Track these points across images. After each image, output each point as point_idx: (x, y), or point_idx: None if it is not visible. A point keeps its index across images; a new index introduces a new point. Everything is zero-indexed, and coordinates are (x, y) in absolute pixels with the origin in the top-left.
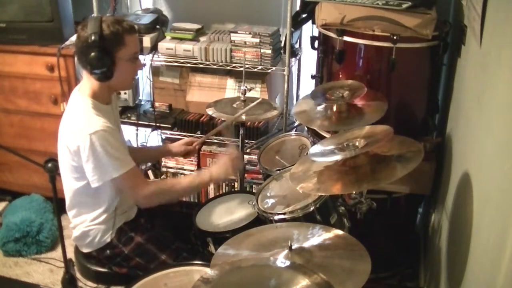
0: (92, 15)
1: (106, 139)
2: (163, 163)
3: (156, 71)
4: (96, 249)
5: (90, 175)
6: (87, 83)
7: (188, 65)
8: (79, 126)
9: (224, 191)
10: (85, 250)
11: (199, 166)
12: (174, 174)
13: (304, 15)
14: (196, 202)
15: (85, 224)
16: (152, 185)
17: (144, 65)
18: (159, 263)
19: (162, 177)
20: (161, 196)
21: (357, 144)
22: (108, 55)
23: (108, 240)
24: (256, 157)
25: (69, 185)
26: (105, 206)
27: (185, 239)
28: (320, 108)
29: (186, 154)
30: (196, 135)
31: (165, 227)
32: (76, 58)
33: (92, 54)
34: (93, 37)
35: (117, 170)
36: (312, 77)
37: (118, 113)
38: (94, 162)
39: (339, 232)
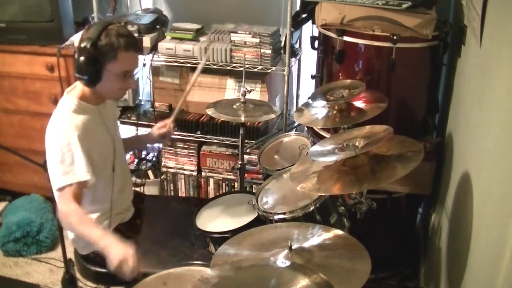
0: (92, 15)
1: (71, 142)
2: (163, 163)
3: (156, 71)
4: (93, 251)
5: (50, 176)
6: (79, 84)
7: (188, 65)
8: (54, 125)
9: (224, 191)
10: (83, 252)
11: (199, 167)
12: (174, 174)
13: (304, 15)
14: (194, 197)
15: None
16: (71, 210)
17: (136, 84)
18: (157, 261)
19: (162, 177)
20: (68, 223)
21: (357, 144)
22: (95, 64)
23: None
24: (256, 157)
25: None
26: (98, 207)
27: (184, 235)
28: (321, 110)
29: (163, 137)
30: (196, 135)
31: (163, 226)
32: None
33: (81, 59)
34: (86, 43)
35: (63, 179)
36: (312, 77)
37: (114, 115)
38: (50, 161)
39: (339, 232)
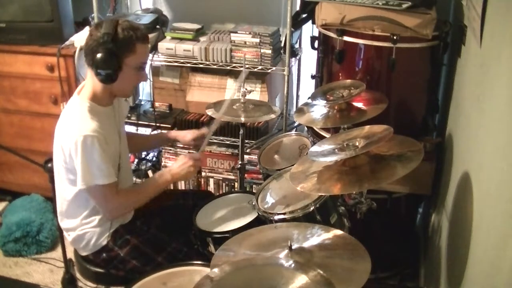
0: (92, 15)
1: (96, 145)
2: (163, 163)
3: (156, 71)
4: (92, 253)
5: (78, 177)
6: (89, 84)
7: (188, 65)
8: (72, 128)
9: (224, 191)
10: (82, 253)
11: None
12: None
13: (304, 15)
14: (191, 189)
15: (80, 227)
16: (121, 197)
17: (147, 79)
18: (155, 266)
19: None
20: (129, 206)
21: (357, 144)
22: (116, 58)
23: (104, 243)
24: (256, 157)
25: (62, 188)
26: (98, 209)
27: (183, 235)
28: (321, 110)
29: (194, 146)
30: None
31: (162, 228)
32: (84, 56)
33: (100, 54)
34: (105, 38)
35: (102, 178)
36: (312, 77)
37: (122, 114)
38: (83, 164)
39: (339, 232)
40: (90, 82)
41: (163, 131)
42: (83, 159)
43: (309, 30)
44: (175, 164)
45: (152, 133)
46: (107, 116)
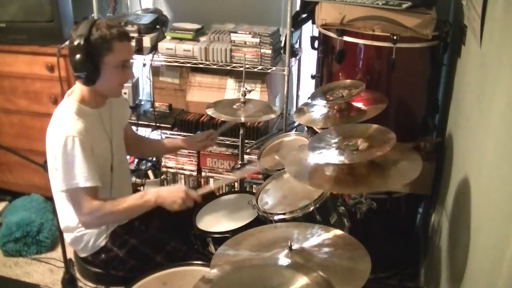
0: (92, 15)
1: (77, 146)
2: (163, 163)
3: (156, 71)
4: (91, 254)
5: (59, 178)
6: (77, 86)
7: (188, 65)
8: (56, 130)
9: (224, 191)
10: (81, 255)
11: (199, 167)
12: (174, 174)
13: (304, 15)
14: None
15: (77, 229)
16: (97, 203)
17: (134, 77)
18: (154, 265)
19: (162, 177)
20: (104, 217)
21: (358, 144)
22: (92, 59)
23: (103, 244)
24: (256, 157)
25: (57, 189)
26: None
27: (183, 235)
28: (321, 110)
29: (203, 147)
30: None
31: (161, 228)
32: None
33: (76, 57)
34: (78, 40)
35: (82, 180)
36: (312, 77)
37: (121, 115)
38: (63, 165)
39: (339, 232)
40: (78, 84)
41: (170, 136)
42: (64, 160)
43: (309, 30)
44: (168, 188)
45: (152, 133)
46: (96, 117)
